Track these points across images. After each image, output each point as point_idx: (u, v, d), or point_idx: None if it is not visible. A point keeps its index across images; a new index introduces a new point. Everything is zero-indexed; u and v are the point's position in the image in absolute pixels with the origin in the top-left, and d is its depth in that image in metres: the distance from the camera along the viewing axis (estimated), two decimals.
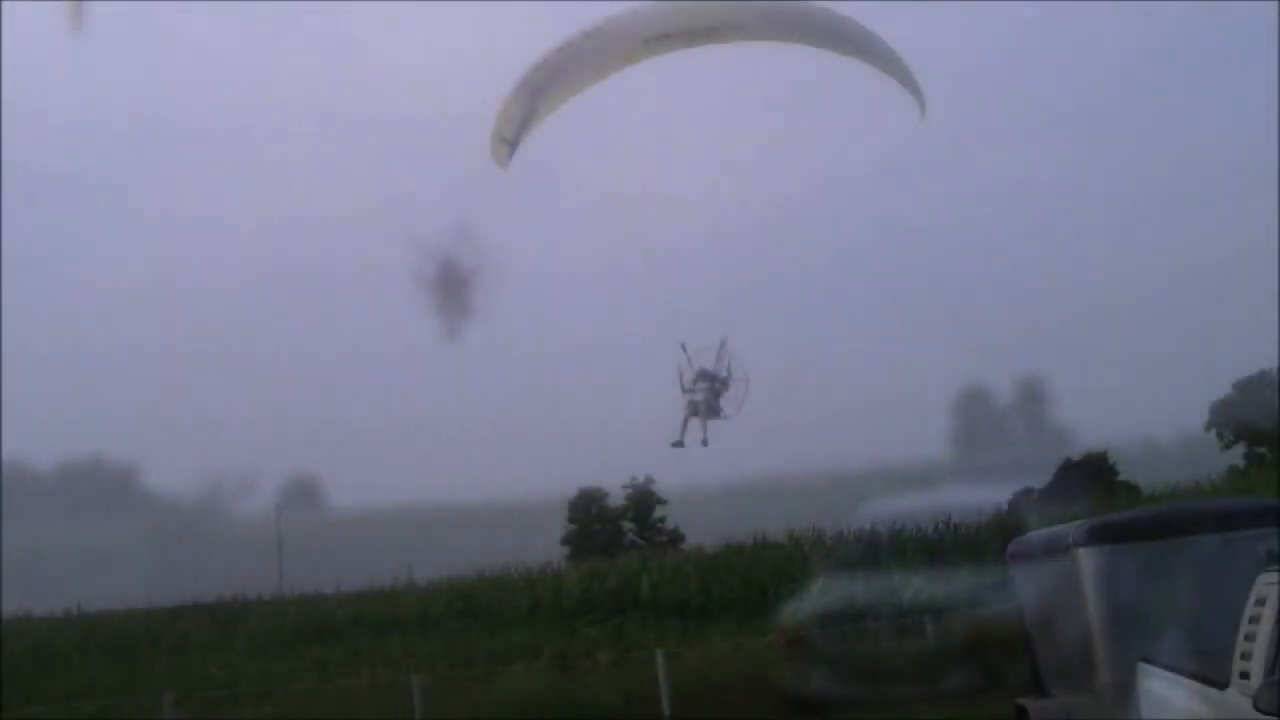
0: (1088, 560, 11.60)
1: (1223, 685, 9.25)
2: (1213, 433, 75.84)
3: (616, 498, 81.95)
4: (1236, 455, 60.80)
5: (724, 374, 19.33)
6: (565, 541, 76.95)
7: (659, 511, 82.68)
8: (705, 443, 19.12)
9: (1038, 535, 14.34)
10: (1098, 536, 11.71)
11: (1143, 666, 10.79)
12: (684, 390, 19.34)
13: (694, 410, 19.11)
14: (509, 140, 18.17)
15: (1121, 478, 72.37)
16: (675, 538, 75.28)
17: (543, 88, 17.90)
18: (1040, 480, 74.11)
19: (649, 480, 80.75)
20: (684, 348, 19.31)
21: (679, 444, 19.27)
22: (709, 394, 19.27)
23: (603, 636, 29.02)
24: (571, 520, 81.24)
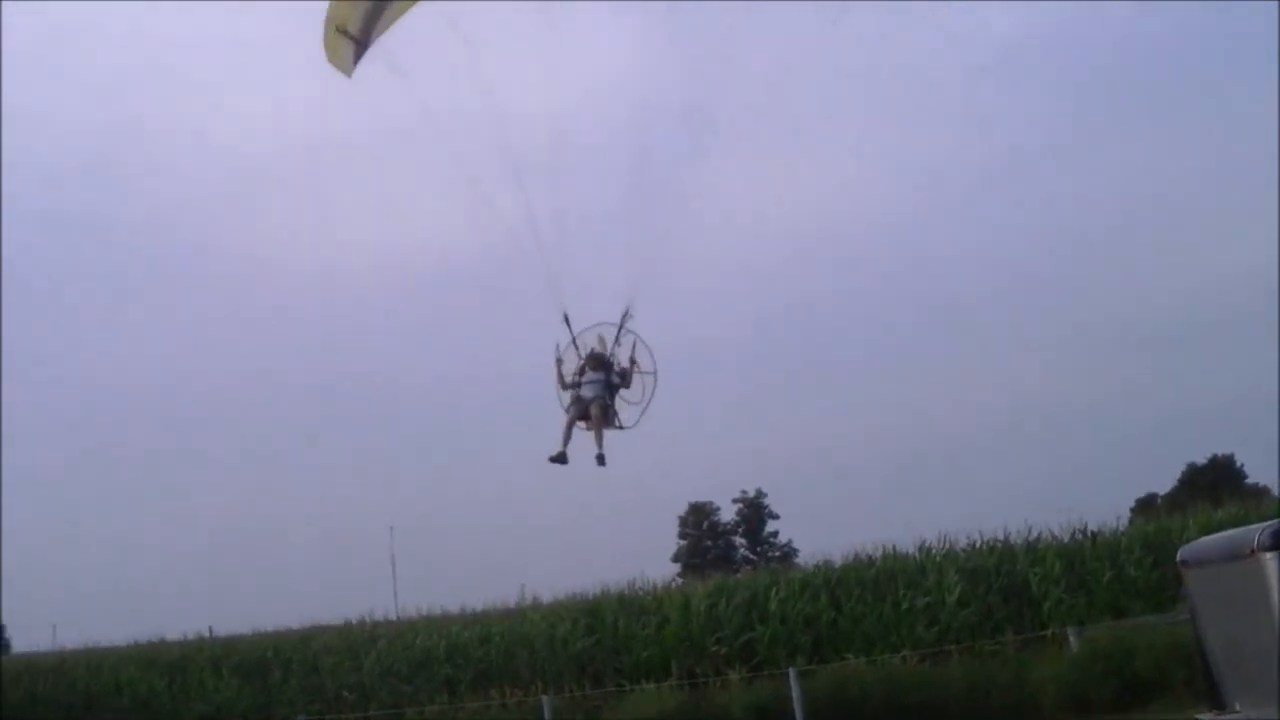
0: (1276, 565, 10.88)
1: None
2: None
3: (727, 513, 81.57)
4: None
5: (626, 362, 14.84)
6: (676, 558, 76.78)
7: (770, 526, 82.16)
8: (601, 459, 14.54)
9: (1213, 540, 13.58)
10: None
11: None
12: (564, 384, 14.87)
13: (581, 412, 14.60)
14: (355, 35, 14.02)
15: (1250, 480, 70.23)
16: (788, 552, 74.67)
17: None
18: (1164, 485, 72.25)
19: (760, 494, 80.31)
20: (567, 319, 14.73)
21: (560, 459, 14.48)
22: (603, 389, 14.66)
23: (732, 654, 28.55)
24: (682, 536, 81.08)
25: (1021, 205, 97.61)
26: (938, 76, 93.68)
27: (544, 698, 26.50)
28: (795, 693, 24.78)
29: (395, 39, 14.10)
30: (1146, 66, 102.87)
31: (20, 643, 52.68)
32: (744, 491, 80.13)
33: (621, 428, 14.82)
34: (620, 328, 14.75)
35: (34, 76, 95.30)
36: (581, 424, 14.64)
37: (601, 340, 15.00)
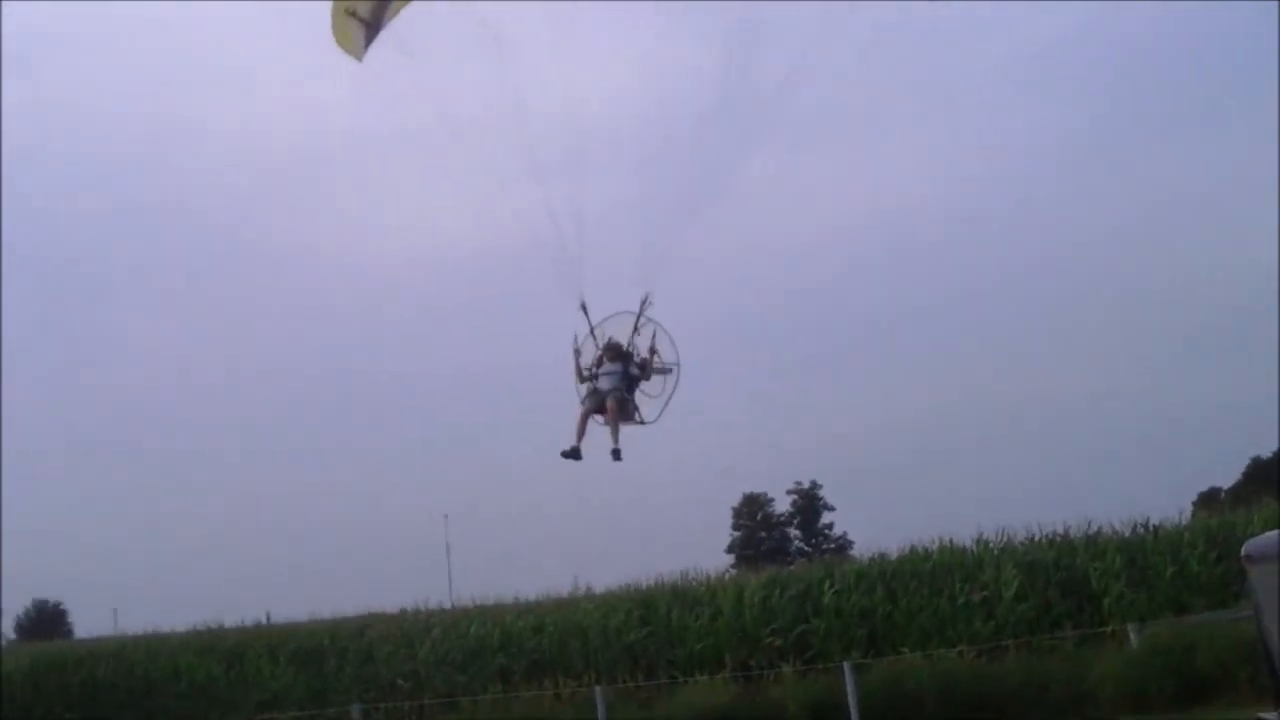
0: None
1: None
2: None
3: (781, 504, 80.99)
4: None
5: (646, 353, 14.33)
6: (730, 549, 76.36)
7: (825, 518, 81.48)
8: (618, 454, 14.04)
9: (1278, 534, 13.28)
10: None
11: None
12: (581, 376, 14.34)
13: (597, 404, 14.08)
14: (365, 19, 13.46)
15: None
16: (843, 545, 73.95)
17: None
18: (1228, 479, 70.94)
19: (815, 485, 79.59)
20: (584, 309, 14.22)
21: (573, 453, 14.06)
22: (620, 381, 14.14)
23: (786, 646, 28.35)
24: (736, 527, 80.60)
25: (1080, 186, 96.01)
26: (959, 72, 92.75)
27: (597, 688, 26.50)
28: (850, 686, 24.52)
29: (414, 25, 13.61)
30: (1149, 68, 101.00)
31: (82, 628, 53.79)
32: (798, 483, 79.45)
33: (642, 423, 14.31)
34: (639, 316, 14.24)
35: (34, 72, 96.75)
36: (599, 417, 14.15)
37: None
